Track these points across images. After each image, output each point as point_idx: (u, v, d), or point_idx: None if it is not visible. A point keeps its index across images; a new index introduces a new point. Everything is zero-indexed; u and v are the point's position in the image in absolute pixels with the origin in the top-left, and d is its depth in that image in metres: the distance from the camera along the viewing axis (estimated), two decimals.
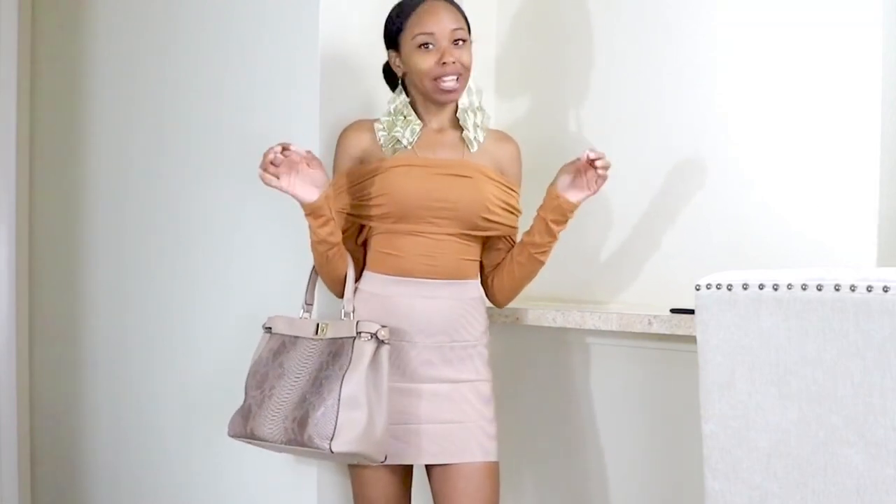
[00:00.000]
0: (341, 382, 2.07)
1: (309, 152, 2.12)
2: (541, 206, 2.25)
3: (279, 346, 2.22)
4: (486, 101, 2.36)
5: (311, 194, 2.12)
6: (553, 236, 2.25)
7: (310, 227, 2.16)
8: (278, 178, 2.11)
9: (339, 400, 2.06)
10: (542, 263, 2.29)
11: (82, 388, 3.23)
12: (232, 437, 2.22)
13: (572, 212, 2.23)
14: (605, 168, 2.18)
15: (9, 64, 3.32)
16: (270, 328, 2.26)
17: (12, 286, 3.36)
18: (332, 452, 2.05)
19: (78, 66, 3.24)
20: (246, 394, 2.21)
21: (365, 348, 2.09)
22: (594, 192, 2.22)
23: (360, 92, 2.45)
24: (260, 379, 2.20)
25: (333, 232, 2.16)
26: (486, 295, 2.34)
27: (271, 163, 2.09)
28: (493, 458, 2.21)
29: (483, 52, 2.75)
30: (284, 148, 2.10)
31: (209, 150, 2.75)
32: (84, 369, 3.22)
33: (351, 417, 2.05)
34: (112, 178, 3.13)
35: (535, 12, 2.77)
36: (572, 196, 2.21)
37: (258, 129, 2.59)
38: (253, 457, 2.47)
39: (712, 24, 2.41)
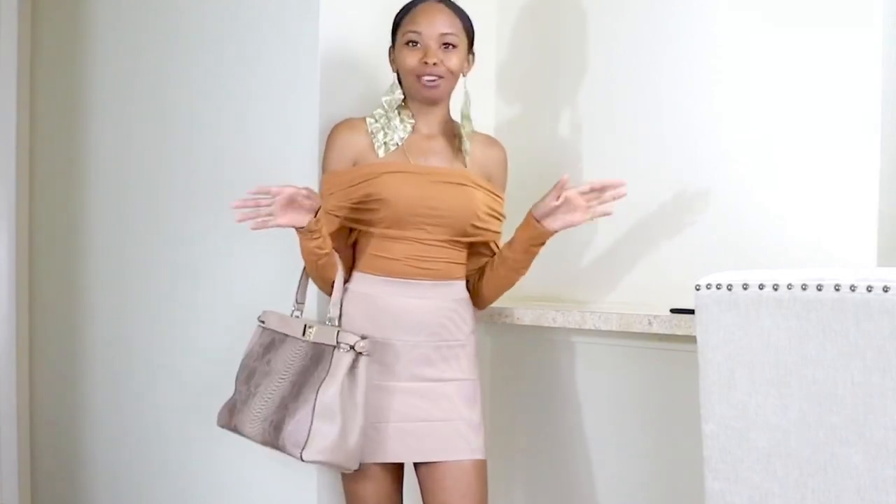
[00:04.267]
0: (317, 392, 2.08)
1: (295, 189, 2.04)
2: (521, 226, 2.24)
3: (269, 342, 2.24)
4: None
5: (302, 220, 2.07)
6: (532, 255, 2.26)
7: (299, 239, 2.16)
8: (272, 216, 2.04)
9: (313, 409, 2.07)
10: (523, 274, 2.31)
11: (82, 388, 3.23)
12: (219, 426, 2.25)
13: (550, 237, 2.23)
14: (616, 198, 2.17)
15: (9, 64, 3.33)
16: (264, 322, 2.27)
17: (12, 286, 3.36)
18: (303, 461, 2.06)
19: (78, 66, 3.24)
20: (235, 386, 2.24)
21: (343, 359, 2.10)
22: (583, 221, 2.19)
23: (360, 92, 2.45)
24: (248, 374, 2.23)
25: (322, 245, 2.15)
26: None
27: (258, 211, 2.04)
28: (479, 456, 2.22)
29: (484, 55, 2.75)
30: (271, 192, 2.03)
31: (209, 150, 2.75)
32: (84, 369, 3.22)
33: (323, 428, 2.06)
34: (112, 178, 3.13)
35: (536, 15, 2.77)
36: (552, 223, 2.20)
37: (258, 129, 2.60)
38: (253, 457, 2.47)
39: (712, 26, 2.41)
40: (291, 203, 2.05)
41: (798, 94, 2.27)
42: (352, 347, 2.10)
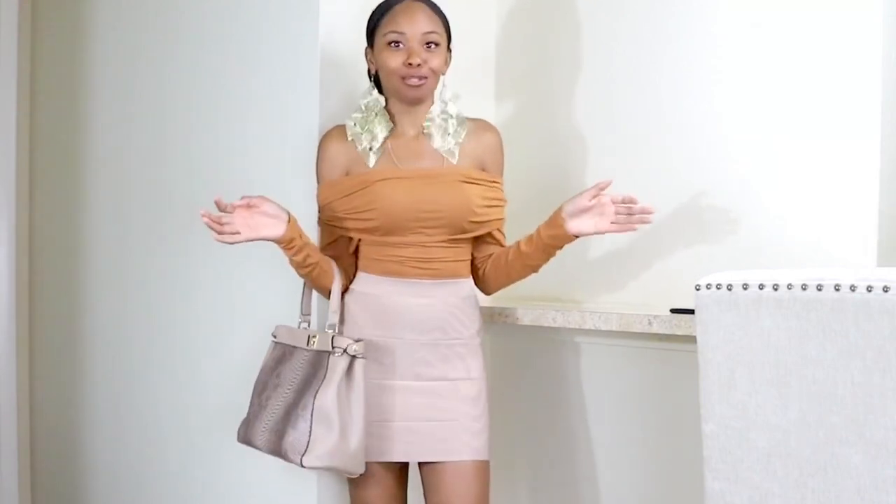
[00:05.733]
0: (314, 398, 2.09)
1: (245, 198, 2.11)
2: (544, 224, 2.21)
3: (281, 355, 2.24)
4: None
5: (277, 228, 2.12)
6: (549, 255, 2.24)
7: (286, 255, 2.17)
8: (238, 233, 2.10)
9: (311, 415, 2.08)
10: (534, 271, 2.30)
11: (82, 389, 3.23)
12: (238, 442, 2.27)
13: (570, 241, 2.20)
14: (643, 222, 2.14)
15: (9, 64, 3.32)
16: (276, 336, 2.28)
17: (12, 287, 3.36)
18: (304, 467, 2.07)
19: (78, 67, 3.24)
20: (250, 402, 2.26)
21: (338, 364, 2.11)
22: (601, 232, 2.16)
23: (358, 92, 2.45)
24: (261, 388, 2.24)
25: (309, 254, 2.17)
26: (476, 283, 2.34)
27: (219, 223, 2.09)
28: (482, 457, 2.21)
29: (483, 54, 2.75)
30: (220, 207, 2.09)
31: (209, 149, 2.75)
32: (84, 371, 3.22)
33: (322, 433, 2.07)
34: (112, 178, 3.13)
35: (535, 14, 2.77)
36: (574, 227, 2.16)
37: (258, 129, 2.60)
38: (253, 459, 2.47)
39: (712, 25, 2.41)
40: (257, 214, 2.10)
41: (798, 94, 2.27)
42: (344, 351, 2.11)
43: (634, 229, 2.17)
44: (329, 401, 2.08)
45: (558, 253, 2.24)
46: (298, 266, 2.19)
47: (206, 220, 2.09)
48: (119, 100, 3.09)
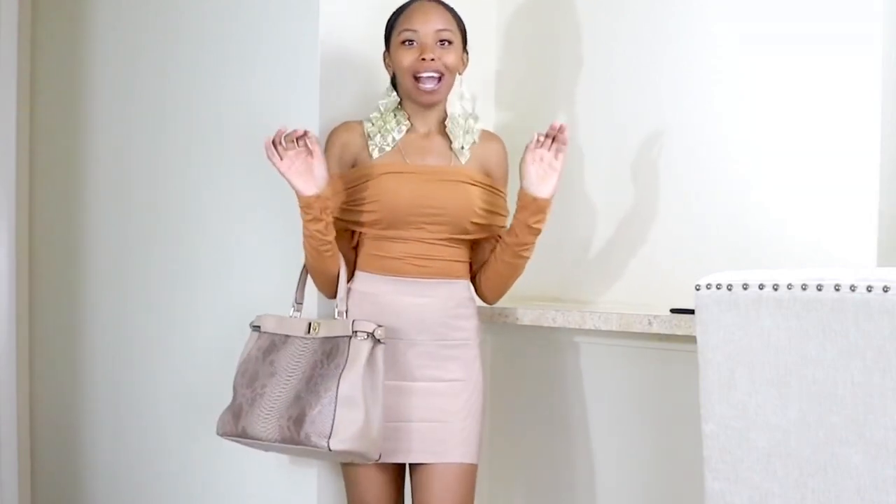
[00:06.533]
0: (338, 381, 2.08)
1: (315, 143, 2.15)
2: (517, 211, 2.23)
3: (269, 344, 2.23)
4: (479, 107, 2.36)
5: (307, 188, 2.14)
6: (536, 234, 2.25)
7: (302, 219, 2.17)
8: (281, 158, 2.13)
9: (336, 398, 2.07)
10: (527, 259, 2.29)
11: (82, 388, 3.23)
12: (221, 435, 2.23)
13: (549, 206, 2.22)
14: (563, 133, 2.19)
15: (9, 64, 3.32)
16: (259, 326, 2.27)
17: (12, 286, 3.36)
18: (330, 450, 2.06)
19: (78, 67, 3.24)
20: (235, 392, 2.23)
21: (361, 347, 2.11)
22: (560, 171, 2.20)
23: (359, 91, 2.45)
24: (250, 377, 2.21)
25: (322, 230, 2.16)
26: (476, 292, 2.35)
27: (281, 141, 2.13)
28: (468, 461, 2.21)
29: (483, 55, 2.75)
30: (303, 134, 2.13)
31: (208, 151, 2.75)
32: (84, 369, 3.22)
33: (348, 416, 2.07)
34: (112, 179, 3.13)
35: (535, 15, 2.77)
36: (543, 190, 2.20)
37: (258, 130, 2.59)
38: (252, 457, 2.47)
39: (712, 25, 2.41)
40: (302, 162, 2.13)
41: (798, 93, 2.27)
42: (370, 335, 2.11)
43: (565, 141, 2.20)
44: (354, 385, 2.08)
45: (539, 249, 2.27)
46: (311, 238, 2.17)
47: (282, 128, 2.14)
48: (119, 100, 3.09)
